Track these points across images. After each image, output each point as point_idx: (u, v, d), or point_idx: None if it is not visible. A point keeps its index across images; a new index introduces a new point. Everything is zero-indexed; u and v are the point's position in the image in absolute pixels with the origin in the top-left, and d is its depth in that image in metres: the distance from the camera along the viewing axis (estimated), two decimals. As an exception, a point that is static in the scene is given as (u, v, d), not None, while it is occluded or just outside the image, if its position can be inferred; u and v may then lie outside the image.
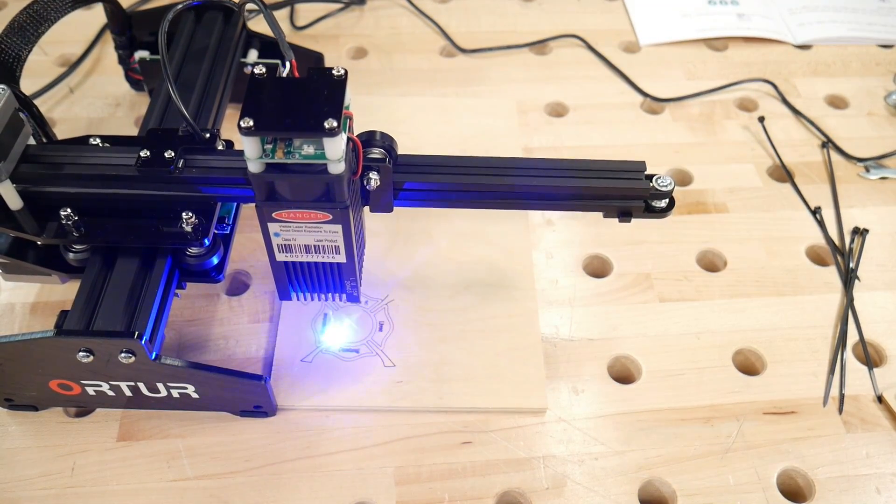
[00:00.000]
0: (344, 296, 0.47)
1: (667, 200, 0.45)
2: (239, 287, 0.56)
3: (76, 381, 0.45)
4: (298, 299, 0.48)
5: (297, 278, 0.46)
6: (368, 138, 0.43)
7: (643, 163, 0.45)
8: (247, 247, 0.57)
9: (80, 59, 0.72)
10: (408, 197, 0.45)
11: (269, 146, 0.38)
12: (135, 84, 0.67)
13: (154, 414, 0.48)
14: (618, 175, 0.45)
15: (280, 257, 0.44)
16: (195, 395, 0.46)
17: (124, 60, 0.63)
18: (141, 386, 0.45)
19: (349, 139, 0.40)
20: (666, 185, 0.44)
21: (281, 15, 0.79)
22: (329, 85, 0.39)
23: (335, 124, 0.36)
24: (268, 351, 0.51)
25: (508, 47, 0.77)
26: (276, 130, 0.37)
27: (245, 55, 0.62)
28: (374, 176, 0.42)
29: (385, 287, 0.55)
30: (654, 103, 0.72)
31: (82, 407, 0.49)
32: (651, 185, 0.44)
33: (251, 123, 0.36)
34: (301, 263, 0.45)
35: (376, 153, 0.43)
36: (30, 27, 0.48)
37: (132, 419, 0.48)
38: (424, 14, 0.80)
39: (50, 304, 0.53)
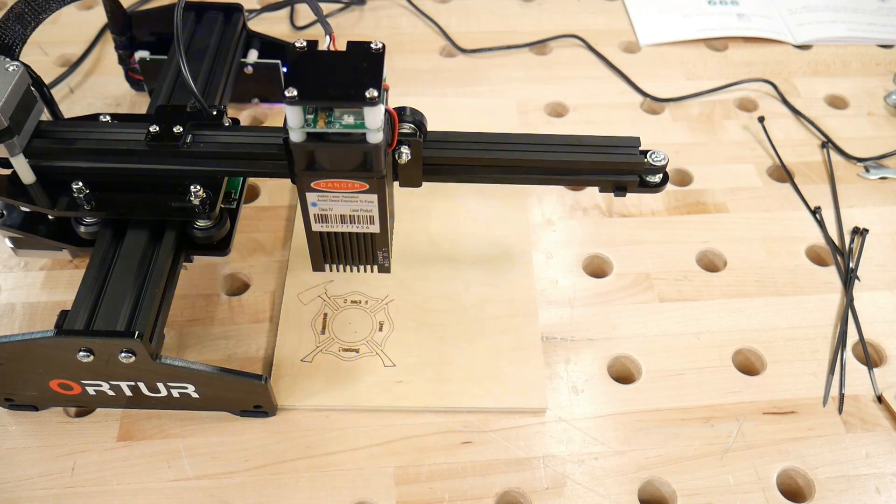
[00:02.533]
0: (375, 267, 0.48)
1: (661, 175, 0.47)
2: (239, 287, 0.56)
3: (76, 381, 0.45)
4: (331, 270, 0.49)
5: (331, 249, 0.47)
6: (399, 113, 0.44)
7: (637, 138, 0.47)
8: (247, 247, 0.57)
9: (81, 59, 0.73)
10: (436, 172, 0.46)
11: (311, 116, 0.39)
12: (135, 84, 0.67)
13: (154, 414, 0.48)
14: (613, 150, 0.46)
15: (316, 227, 0.45)
16: (195, 395, 0.46)
17: (124, 60, 0.63)
18: (141, 386, 0.45)
19: (386, 111, 0.41)
20: (660, 160, 0.46)
21: (281, 15, 0.79)
22: (368, 57, 0.40)
23: (376, 94, 0.38)
24: (268, 351, 0.51)
25: (508, 47, 0.77)
26: (319, 100, 0.39)
27: (245, 55, 0.62)
28: (405, 150, 0.43)
29: (385, 287, 0.55)
30: (654, 103, 0.72)
31: (82, 407, 0.49)
32: (645, 160, 0.46)
33: (295, 93, 0.38)
34: (336, 234, 0.46)
35: (406, 128, 0.44)
36: (29, 14, 0.48)
37: (132, 419, 0.48)
38: (424, 14, 0.80)
39: (50, 304, 0.53)
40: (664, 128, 0.69)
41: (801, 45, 0.79)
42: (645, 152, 0.46)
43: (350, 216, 0.44)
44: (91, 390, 0.46)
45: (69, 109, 0.68)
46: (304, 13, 0.80)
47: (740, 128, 0.70)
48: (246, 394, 0.46)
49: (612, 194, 0.48)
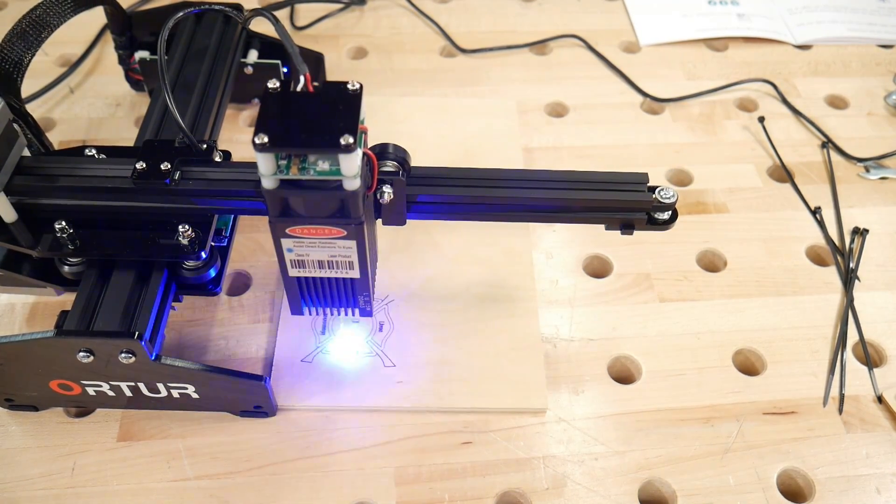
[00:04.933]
0: (357, 311, 0.47)
1: (669, 213, 0.45)
2: (239, 287, 0.56)
3: (76, 381, 0.45)
4: (311, 314, 0.47)
5: (309, 293, 0.45)
6: (381, 151, 0.42)
7: (645, 174, 0.45)
8: (247, 247, 0.57)
9: (81, 60, 0.73)
10: (420, 210, 0.45)
11: (284, 162, 0.37)
12: (135, 84, 0.67)
13: (154, 414, 0.48)
14: (620, 187, 0.45)
15: (293, 273, 0.43)
16: (195, 396, 0.46)
17: (124, 61, 0.63)
18: (141, 386, 0.45)
19: (364, 154, 0.39)
20: (669, 198, 0.44)
21: (281, 15, 0.79)
22: (344, 99, 0.38)
23: (351, 140, 0.36)
24: (268, 351, 0.51)
25: (508, 47, 0.77)
26: (290, 147, 0.37)
27: (245, 55, 0.62)
28: (387, 190, 0.42)
29: (385, 287, 0.55)
30: (654, 103, 0.72)
31: (82, 407, 0.49)
32: (654, 196, 0.44)
33: (266, 140, 0.35)
34: (314, 279, 0.44)
35: (389, 166, 0.42)
36: (31, 33, 0.48)
37: (132, 419, 0.48)
38: (424, 14, 0.80)
39: (50, 304, 0.53)
40: (664, 128, 0.69)
41: (801, 45, 0.79)
42: (653, 189, 0.44)
43: (328, 262, 0.42)
44: (91, 390, 0.46)
45: (69, 109, 0.68)
46: (305, 13, 0.80)
47: (740, 128, 0.70)
48: (246, 394, 0.46)
49: (619, 233, 0.46)
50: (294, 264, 0.42)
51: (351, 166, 0.37)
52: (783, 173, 0.66)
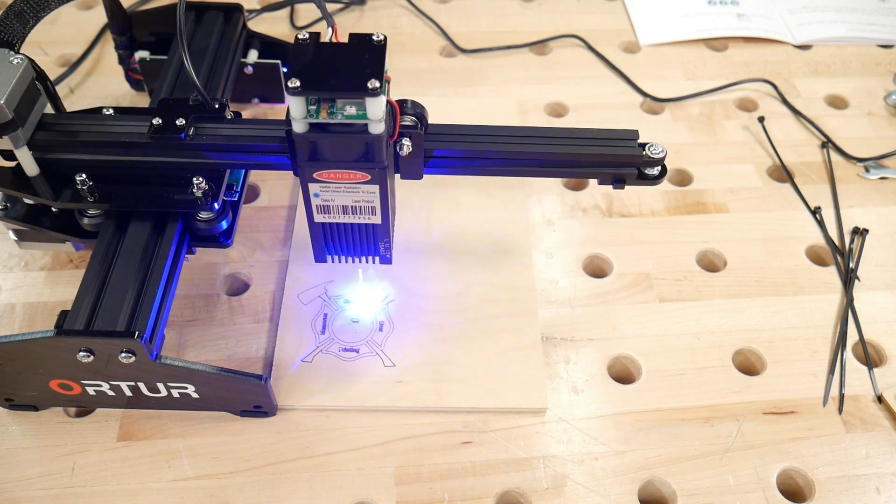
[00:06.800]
0: (377, 259, 0.49)
1: (659, 168, 0.47)
2: (239, 287, 0.56)
3: (76, 381, 0.45)
4: (333, 261, 0.49)
5: (333, 240, 0.48)
6: (401, 106, 0.44)
7: (636, 131, 0.47)
8: (247, 246, 0.57)
9: (81, 60, 0.73)
10: (437, 164, 0.47)
11: (314, 107, 0.40)
12: (135, 84, 0.67)
13: (154, 414, 0.48)
14: (612, 143, 0.47)
15: (318, 218, 0.46)
16: (195, 395, 0.46)
17: (124, 60, 0.63)
18: (141, 386, 0.45)
19: (388, 102, 0.42)
20: (658, 153, 0.46)
21: (281, 15, 0.79)
22: (370, 49, 0.41)
23: (377, 84, 0.38)
24: (268, 351, 0.51)
25: (508, 47, 0.77)
26: (321, 90, 0.39)
27: (245, 55, 0.62)
28: (406, 142, 0.44)
29: (385, 287, 0.55)
30: (654, 103, 0.72)
31: (82, 407, 0.49)
32: (644, 152, 0.46)
33: (298, 84, 0.38)
34: (338, 225, 0.46)
35: (408, 121, 0.44)
36: (28, 12, 0.48)
37: (132, 419, 0.48)
38: (424, 14, 0.80)
39: (50, 304, 0.53)
40: (664, 128, 0.69)
41: (801, 45, 0.79)
42: (643, 145, 0.47)
43: (352, 207, 0.45)
44: (91, 390, 0.46)
45: (69, 109, 0.67)
46: (304, 13, 0.80)
47: (740, 128, 0.70)
48: (246, 394, 0.46)
49: (612, 187, 0.48)
50: (320, 210, 0.45)
51: (377, 110, 0.39)
52: (783, 173, 0.66)
